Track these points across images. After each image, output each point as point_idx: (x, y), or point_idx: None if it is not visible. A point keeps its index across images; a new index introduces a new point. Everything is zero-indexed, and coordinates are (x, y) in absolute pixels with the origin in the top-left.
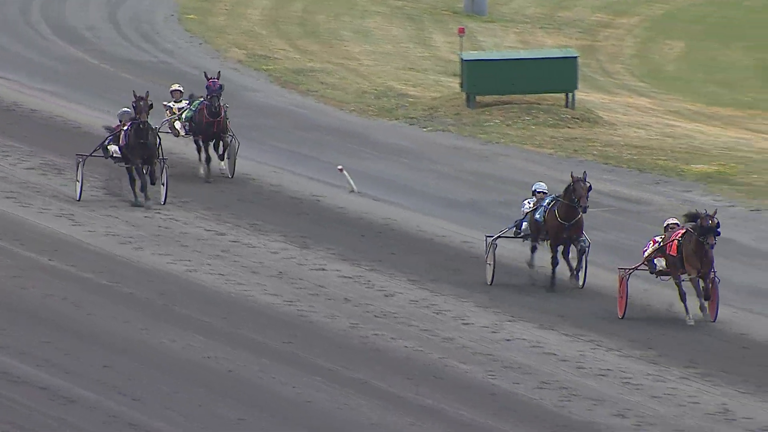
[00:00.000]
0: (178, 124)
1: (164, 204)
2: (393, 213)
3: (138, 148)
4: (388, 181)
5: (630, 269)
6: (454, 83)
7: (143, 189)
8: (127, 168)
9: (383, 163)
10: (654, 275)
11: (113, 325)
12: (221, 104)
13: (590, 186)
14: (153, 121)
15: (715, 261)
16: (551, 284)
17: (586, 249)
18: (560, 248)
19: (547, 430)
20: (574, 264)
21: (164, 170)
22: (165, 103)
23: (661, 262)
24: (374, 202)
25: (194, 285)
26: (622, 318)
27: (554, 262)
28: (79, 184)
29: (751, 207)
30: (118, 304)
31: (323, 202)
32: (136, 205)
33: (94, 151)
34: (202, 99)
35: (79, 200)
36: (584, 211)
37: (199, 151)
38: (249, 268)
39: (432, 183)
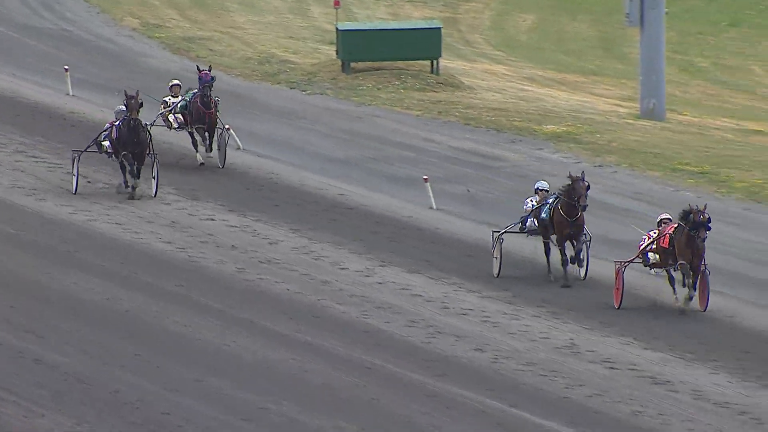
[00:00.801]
0: (171, 117)
1: (155, 196)
2: (276, 168)
3: (129, 144)
4: (271, 139)
5: (626, 262)
6: (331, 51)
7: (133, 179)
8: (121, 165)
9: (267, 123)
10: (648, 268)
11: (19, 269)
12: (213, 96)
13: (588, 185)
14: (146, 114)
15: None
16: (565, 278)
17: (588, 243)
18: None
19: (415, 363)
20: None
21: (155, 164)
22: (164, 98)
23: (654, 256)
24: (259, 158)
25: (94, 233)
26: (618, 308)
27: (564, 259)
28: (75, 178)
29: (595, 163)
30: (24, 250)
31: (212, 158)
32: (123, 192)
33: (88, 146)
34: (194, 91)
35: (75, 193)
36: (583, 210)
37: (192, 139)
38: (144, 218)
39: (311, 141)
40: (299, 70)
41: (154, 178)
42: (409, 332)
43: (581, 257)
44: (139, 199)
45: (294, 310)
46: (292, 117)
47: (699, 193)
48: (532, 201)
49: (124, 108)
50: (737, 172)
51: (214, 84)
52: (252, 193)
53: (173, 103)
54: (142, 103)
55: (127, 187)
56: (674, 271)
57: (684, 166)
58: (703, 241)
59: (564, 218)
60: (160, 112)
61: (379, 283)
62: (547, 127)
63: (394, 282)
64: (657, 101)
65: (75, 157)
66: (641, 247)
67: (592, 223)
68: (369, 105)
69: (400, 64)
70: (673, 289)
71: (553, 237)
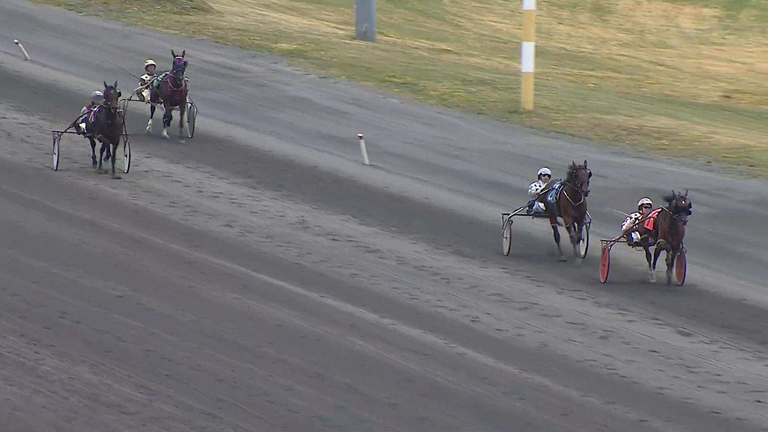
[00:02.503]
0: (145, 92)
1: (127, 172)
2: (58, 76)
3: (106, 127)
4: (54, 51)
5: (612, 241)
6: None
7: (108, 158)
8: (91, 142)
9: (50, 38)
10: (631, 246)
11: None
12: (183, 77)
13: (590, 172)
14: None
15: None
16: (576, 249)
17: (588, 224)
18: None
19: (176, 237)
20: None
21: (127, 144)
22: (141, 76)
23: (637, 235)
24: (43, 67)
25: None
26: (604, 282)
27: (556, 234)
28: (55, 156)
29: (321, 75)
30: None
31: (4, 67)
32: (99, 171)
33: (68, 128)
34: (166, 72)
35: (56, 170)
36: (585, 195)
37: (152, 111)
38: None
39: (88, 54)
40: None
41: (126, 156)
42: (171, 211)
43: (582, 236)
44: (105, 172)
45: (74, 192)
46: (72, 33)
47: (402, 99)
48: (536, 185)
49: (99, 93)
50: (431, 83)
51: (186, 67)
52: (38, 96)
53: (149, 80)
54: (120, 92)
55: (95, 162)
56: (652, 248)
57: (391, 78)
58: (685, 224)
59: (569, 202)
60: (136, 89)
61: (146, 171)
62: (282, 45)
63: (158, 170)
64: (369, 25)
65: (56, 137)
66: (624, 228)
67: (314, 122)
68: (135, 25)
69: None
70: (649, 265)
71: (560, 219)
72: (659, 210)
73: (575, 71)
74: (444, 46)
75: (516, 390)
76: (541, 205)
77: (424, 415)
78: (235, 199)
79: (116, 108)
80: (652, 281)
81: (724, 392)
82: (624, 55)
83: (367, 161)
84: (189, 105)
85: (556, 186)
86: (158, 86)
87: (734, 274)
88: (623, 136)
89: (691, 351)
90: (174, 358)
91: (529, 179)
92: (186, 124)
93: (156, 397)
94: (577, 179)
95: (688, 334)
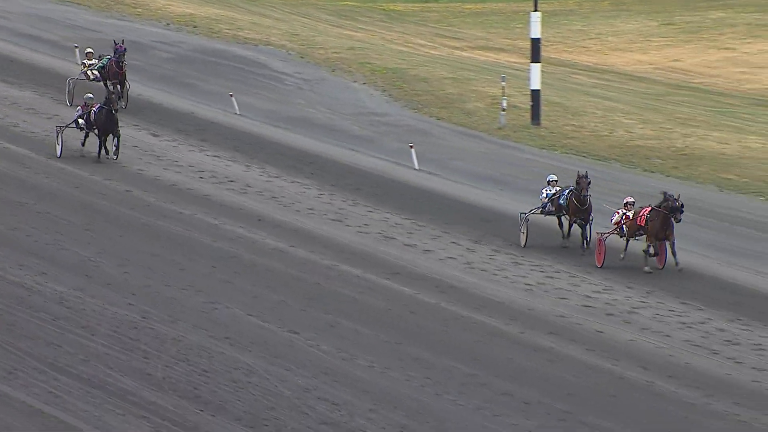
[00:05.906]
0: (89, 72)
1: (117, 159)
2: None
3: (106, 124)
4: None
5: (606, 233)
6: None
7: (105, 148)
8: (97, 135)
9: None
10: (621, 237)
11: None
12: (124, 61)
13: (589, 181)
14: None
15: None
16: (583, 245)
17: (591, 222)
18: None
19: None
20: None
21: (118, 137)
22: (82, 60)
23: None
24: None
25: None
26: (600, 267)
27: (568, 230)
28: (59, 146)
29: None
30: None
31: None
32: (98, 157)
33: (68, 124)
34: (109, 57)
35: (59, 157)
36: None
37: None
38: None
39: None
40: None
41: (116, 146)
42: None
43: (586, 231)
44: (111, 160)
45: None
46: None
47: None
48: (547, 190)
49: (90, 96)
50: None
51: (125, 53)
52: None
53: (90, 64)
54: (119, 96)
55: (106, 152)
56: (645, 243)
57: None
58: (679, 221)
59: (577, 205)
60: (82, 70)
61: None
62: None
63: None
64: None
65: (59, 131)
66: (613, 221)
67: None
68: None
69: None
70: (646, 256)
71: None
72: (650, 209)
73: None
74: None
75: (104, 193)
76: (551, 205)
77: (42, 210)
78: None
79: (116, 109)
80: (647, 270)
81: (180, 173)
82: None
83: None
84: (126, 83)
85: (566, 192)
86: (103, 67)
87: (186, 98)
88: (112, 5)
89: (160, 146)
90: None
91: (65, 41)
92: (124, 96)
93: None
94: (578, 185)
95: (157, 135)
